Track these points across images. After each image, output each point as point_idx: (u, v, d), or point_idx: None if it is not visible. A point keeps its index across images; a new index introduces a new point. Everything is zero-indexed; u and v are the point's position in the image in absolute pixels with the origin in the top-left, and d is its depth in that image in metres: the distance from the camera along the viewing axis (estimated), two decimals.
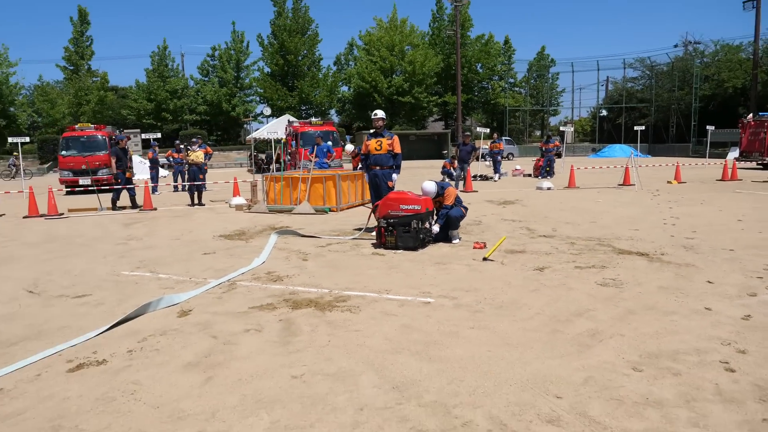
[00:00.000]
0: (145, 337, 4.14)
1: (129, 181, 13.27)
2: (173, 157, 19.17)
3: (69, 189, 17.96)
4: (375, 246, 7.55)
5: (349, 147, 13.78)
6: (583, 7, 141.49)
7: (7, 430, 2.82)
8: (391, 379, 3.29)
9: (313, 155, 14.14)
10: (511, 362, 3.51)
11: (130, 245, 8.29)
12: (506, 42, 54.80)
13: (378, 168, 8.57)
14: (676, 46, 53.96)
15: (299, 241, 8.23)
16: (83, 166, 18.81)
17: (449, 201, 7.72)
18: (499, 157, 21.65)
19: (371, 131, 8.83)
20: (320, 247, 7.67)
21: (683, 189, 15.41)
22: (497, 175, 20.74)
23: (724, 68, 44.67)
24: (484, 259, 6.59)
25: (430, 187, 7.70)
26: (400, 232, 7.26)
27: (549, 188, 15.95)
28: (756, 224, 8.93)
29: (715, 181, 17.82)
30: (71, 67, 45.34)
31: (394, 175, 8.61)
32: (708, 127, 26.96)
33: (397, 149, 8.61)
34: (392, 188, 8.43)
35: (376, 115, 8.65)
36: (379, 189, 8.54)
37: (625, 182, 16.84)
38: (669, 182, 17.28)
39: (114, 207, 13.18)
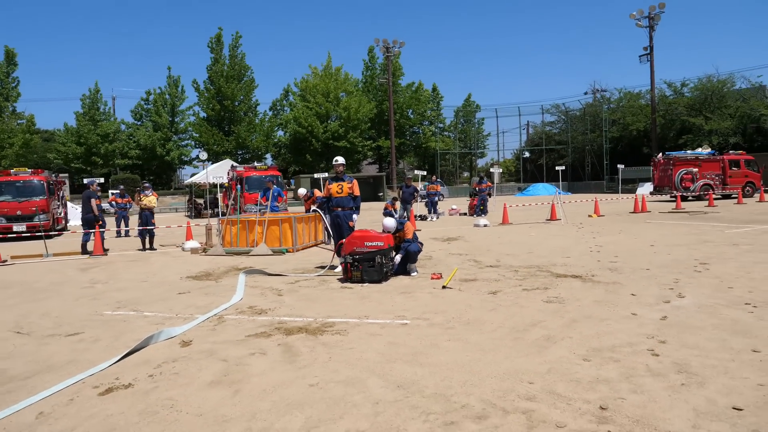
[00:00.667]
0: (158, 364, 4.56)
1: (92, 225, 13.27)
2: (116, 203, 18.99)
3: (1, 236, 17.37)
4: (342, 281, 8.18)
5: (302, 191, 14.39)
6: (505, 56, 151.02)
7: (101, 428, 3.23)
8: (394, 381, 3.94)
9: (264, 199, 14.63)
10: (487, 363, 4.26)
11: (98, 288, 8.47)
12: (434, 89, 57.73)
13: (340, 209, 9.28)
14: (586, 93, 58.63)
15: (267, 279, 8.72)
16: (18, 212, 18.29)
17: (409, 235, 8.52)
18: (437, 198, 22.87)
19: (332, 175, 9.57)
20: (290, 284, 8.21)
21: (602, 221, 17.06)
22: (434, 215, 21.85)
23: (628, 113, 49.16)
24: (444, 287, 7.38)
25: (391, 223, 8.47)
26: (365, 266, 7.94)
27: (485, 225, 17.15)
28: (665, 248, 10.30)
29: (629, 213, 19.77)
30: None
31: (355, 216, 9.34)
32: (619, 165, 29.76)
33: (357, 192, 9.37)
34: (353, 228, 9.13)
35: (336, 161, 9.42)
36: (341, 228, 9.23)
37: (552, 217, 18.37)
38: (590, 216, 18.99)
39: (84, 251, 13.05)
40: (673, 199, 24.29)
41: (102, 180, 19.24)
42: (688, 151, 31.66)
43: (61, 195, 21.66)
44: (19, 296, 8.04)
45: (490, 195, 25.38)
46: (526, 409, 3.37)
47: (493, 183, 26.57)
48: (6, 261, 12.18)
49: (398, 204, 18.71)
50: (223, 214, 20.41)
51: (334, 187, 9.40)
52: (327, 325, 5.62)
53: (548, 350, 4.51)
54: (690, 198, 27.43)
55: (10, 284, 9.17)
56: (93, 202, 13.37)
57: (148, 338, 5.16)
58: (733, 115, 42.75)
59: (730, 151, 30.34)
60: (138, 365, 4.55)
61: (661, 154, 30.66)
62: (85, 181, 15.38)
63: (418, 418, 3.31)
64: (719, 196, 27.29)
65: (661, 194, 28.86)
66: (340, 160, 9.54)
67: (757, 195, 26.74)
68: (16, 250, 13.88)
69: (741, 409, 3.26)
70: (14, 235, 17.84)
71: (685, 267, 8.25)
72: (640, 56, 44.47)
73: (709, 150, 30.46)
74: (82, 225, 13.70)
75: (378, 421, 3.28)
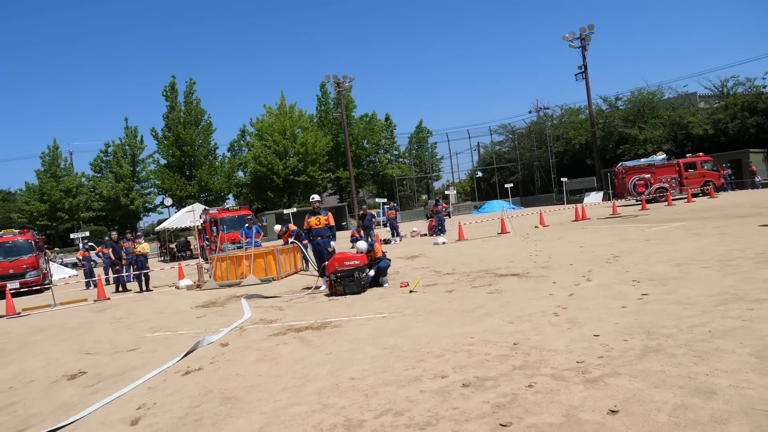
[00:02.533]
0: (213, 357, 6.34)
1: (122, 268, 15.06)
2: (103, 253, 20.30)
3: None
4: (328, 296, 10.05)
5: (277, 227, 16.15)
6: (452, 83, 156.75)
7: (195, 391, 5.03)
8: (382, 346, 5.86)
9: (244, 237, 16.33)
10: (445, 331, 6.23)
11: (125, 322, 10.08)
12: (387, 119, 60.45)
13: (320, 238, 11.19)
14: (530, 111, 62.37)
15: (265, 301, 10.50)
16: (10, 271, 19.42)
17: (379, 254, 10.47)
18: (395, 222, 25.04)
19: (311, 210, 11.49)
20: (286, 302, 10.03)
21: (546, 231, 19.42)
22: (398, 238, 23.92)
23: (570, 128, 52.84)
24: (411, 291, 9.35)
25: (363, 246, 10.42)
26: (346, 281, 9.84)
27: (444, 242, 19.27)
28: (590, 248, 12.57)
29: (571, 222, 22.26)
30: None
31: (332, 242, 11.26)
32: (562, 179, 32.59)
33: (332, 222, 11.34)
34: (332, 252, 11.04)
35: (313, 198, 11.40)
36: (321, 254, 11.13)
37: (502, 231, 20.65)
38: (536, 227, 21.38)
39: (124, 289, 15.32)
40: (634, 203, 27.05)
41: (87, 234, 20.58)
42: (642, 160, 34.89)
43: (44, 252, 22.74)
44: (61, 335, 9.59)
45: (448, 215, 27.73)
46: (468, 349, 5.35)
47: (449, 203, 28.90)
48: (20, 313, 13.51)
49: (362, 231, 20.71)
50: (203, 255, 21.95)
51: (313, 220, 11.31)
52: (326, 323, 7.49)
53: (486, 321, 6.52)
54: (647, 201, 30.45)
55: (45, 328, 10.65)
56: (109, 251, 15.28)
57: (196, 344, 6.92)
58: (665, 124, 46.72)
59: (688, 155, 33.58)
60: (198, 359, 6.32)
61: (620, 164, 33.71)
62: (107, 239, 17.11)
63: (400, 359, 5.25)
64: (678, 197, 30.17)
65: (621, 200, 31.71)
66: (316, 197, 11.51)
67: (722, 193, 29.60)
68: (18, 305, 15.12)
69: (598, 335, 5.31)
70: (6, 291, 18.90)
71: (600, 260, 10.45)
72: (575, 74, 48.27)
73: (663, 156, 33.68)
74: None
75: (375, 364, 5.20)
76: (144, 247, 15.89)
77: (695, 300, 6.25)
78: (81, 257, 20.90)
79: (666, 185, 30.88)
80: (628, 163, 33.00)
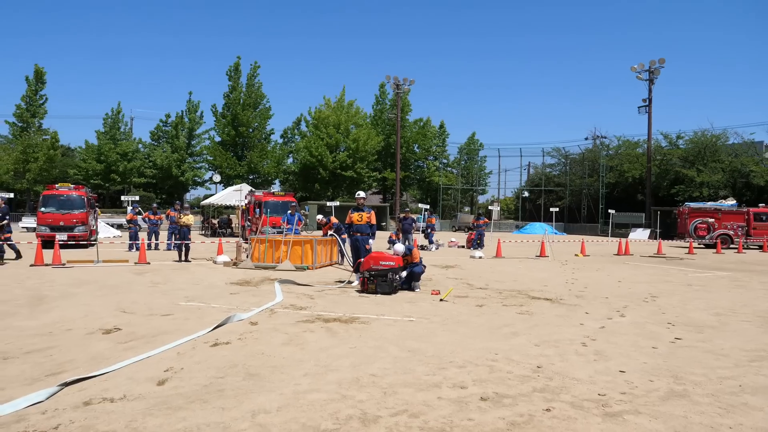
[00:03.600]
0: (241, 333, 6.55)
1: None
2: (149, 218, 21.03)
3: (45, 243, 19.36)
4: (359, 292, 10.19)
5: (319, 216, 16.42)
6: (510, 99, 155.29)
7: (221, 363, 5.24)
8: (406, 348, 5.93)
9: (286, 223, 16.67)
10: (469, 343, 6.25)
11: (162, 287, 10.46)
12: (441, 126, 60.42)
13: (359, 234, 11.34)
14: (586, 138, 61.53)
15: (297, 288, 10.71)
16: (61, 223, 20.36)
17: (416, 259, 10.54)
18: (430, 230, 25.08)
19: (354, 206, 11.65)
20: (318, 292, 10.21)
21: (586, 260, 19.07)
22: (433, 245, 23.93)
23: (625, 160, 51.60)
24: (441, 300, 9.38)
25: (401, 248, 10.50)
26: (379, 281, 9.95)
27: (480, 257, 19.17)
28: (629, 284, 12.30)
29: (612, 255, 21.78)
30: (21, 124, 45.96)
31: (371, 240, 11.39)
32: (610, 210, 31.93)
33: (374, 221, 11.46)
34: (369, 250, 11.16)
35: (359, 195, 11.55)
36: (359, 250, 11.27)
37: (541, 254, 20.39)
38: (576, 255, 21.01)
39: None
40: (682, 245, 26.33)
41: (137, 198, 21.38)
42: (709, 203, 33.94)
43: (94, 209, 23.73)
44: (102, 290, 10.03)
45: (485, 230, 27.55)
46: (491, 364, 5.37)
47: (490, 220, 28.69)
48: (65, 264, 14.18)
49: (401, 234, 20.81)
50: (243, 235, 22.47)
51: (355, 216, 11.47)
52: (354, 318, 7.62)
53: (512, 340, 6.51)
54: (707, 246, 29.56)
55: (87, 282, 11.16)
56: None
57: (227, 319, 7.16)
58: (725, 169, 45.12)
59: (760, 205, 32.42)
60: (227, 333, 6.54)
61: (684, 204, 32.97)
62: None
63: (422, 364, 5.31)
64: (747, 247, 29.20)
65: (683, 239, 30.95)
66: (362, 194, 11.67)
67: None
68: (64, 256, 15.88)
69: (624, 372, 5.24)
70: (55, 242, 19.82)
71: (637, 298, 10.24)
72: (639, 107, 47.20)
73: (732, 202, 32.69)
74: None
75: (396, 365, 5.28)
76: (189, 218, 16.41)
77: (729, 352, 6.08)
78: (129, 219, 21.70)
79: (731, 232, 29.93)
80: (693, 204, 32.29)
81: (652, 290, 11.35)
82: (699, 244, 29.32)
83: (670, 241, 31.87)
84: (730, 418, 4.05)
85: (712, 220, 30.24)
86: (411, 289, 10.48)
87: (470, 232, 26.13)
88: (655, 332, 7.11)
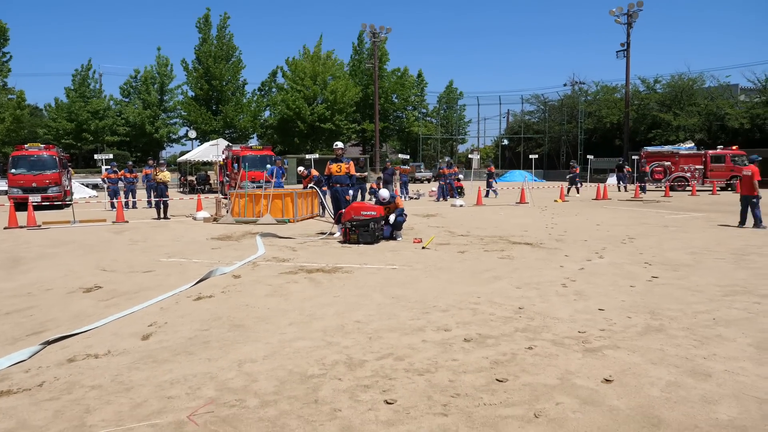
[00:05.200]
0: (224, 287, 6.53)
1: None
2: (125, 177, 20.60)
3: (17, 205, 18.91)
4: (341, 242, 10.19)
5: (301, 169, 16.22)
6: (488, 47, 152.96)
7: (205, 316, 5.23)
8: (389, 295, 5.99)
9: (272, 176, 16.41)
10: (452, 288, 6.33)
11: (141, 245, 10.35)
12: (419, 75, 59.47)
13: (339, 185, 11.25)
14: (565, 85, 61.36)
15: (279, 241, 10.68)
16: (33, 184, 19.87)
17: (400, 206, 10.54)
18: (406, 179, 24.99)
19: (333, 157, 11.51)
20: (300, 244, 10.20)
21: (565, 206, 19.29)
22: (405, 195, 23.78)
23: (604, 106, 51.62)
24: (423, 248, 9.44)
25: (386, 194, 10.48)
26: (361, 231, 9.95)
27: (461, 205, 19.26)
28: (607, 227, 12.50)
29: (591, 200, 22.06)
30: None
31: (351, 191, 11.32)
32: (588, 156, 32.12)
33: (353, 171, 11.37)
34: (349, 201, 11.11)
35: (336, 145, 11.38)
36: (339, 201, 11.21)
37: (521, 201, 20.55)
38: (555, 200, 21.23)
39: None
40: (655, 189, 26.61)
41: (111, 156, 20.85)
42: (667, 147, 34.00)
43: (67, 169, 23.14)
44: (80, 250, 9.88)
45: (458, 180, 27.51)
46: (474, 307, 5.45)
47: (471, 168, 28.67)
48: (41, 226, 13.90)
49: (382, 184, 20.73)
50: (222, 191, 22.23)
51: (334, 167, 11.35)
52: (336, 268, 7.64)
53: (494, 283, 6.60)
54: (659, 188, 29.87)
55: (65, 242, 10.97)
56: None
57: (209, 273, 7.13)
58: (701, 113, 45.41)
59: (719, 147, 32.55)
60: (210, 287, 6.52)
61: (643, 148, 33.06)
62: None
63: (406, 309, 5.37)
64: (701, 189, 29.40)
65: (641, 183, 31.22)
66: (340, 144, 11.50)
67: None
68: (39, 218, 15.55)
69: (603, 309, 5.36)
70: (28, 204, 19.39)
71: (615, 240, 10.41)
72: (617, 52, 46.77)
73: (690, 145, 32.81)
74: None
75: (381, 311, 5.33)
76: (165, 175, 16.11)
77: (704, 288, 6.25)
78: (105, 178, 21.22)
79: (687, 175, 30.25)
80: (650, 148, 32.38)
81: (629, 232, 11.55)
82: (658, 187, 29.58)
83: (630, 185, 32.07)
84: (705, 349, 4.18)
85: (669, 163, 30.60)
86: (393, 237, 10.52)
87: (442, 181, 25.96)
88: (632, 272, 7.27)
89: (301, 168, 15.98)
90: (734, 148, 31.87)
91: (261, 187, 15.47)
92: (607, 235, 11.04)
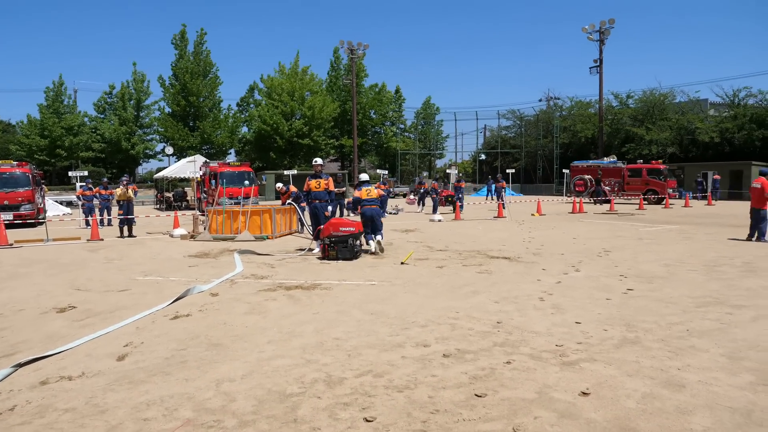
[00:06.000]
0: (202, 305, 6.46)
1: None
2: (100, 194, 20.27)
3: None
4: (320, 259, 10.16)
5: (279, 185, 16.17)
6: (465, 63, 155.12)
7: (182, 335, 5.16)
8: (368, 311, 5.98)
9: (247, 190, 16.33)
10: (431, 303, 6.35)
11: (117, 263, 10.18)
12: (397, 91, 59.89)
13: (318, 201, 11.25)
14: (540, 100, 62.15)
15: (258, 258, 10.60)
16: (5, 202, 19.44)
17: (373, 195, 10.87)
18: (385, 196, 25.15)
19: (312, 173, 11.51)
20: (278, 261, 10.14)
21: (542, 220, 19.53)
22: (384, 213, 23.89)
23: (578, 121, 52.58)
24: (402, 263, 9.46)
25: (365, 176, 10.68)
26: (340, 247, 9.95)
27: (439, 220, 19.36)
28: (583, 240, 12.68)
29: (567, 213, 22.37)
30: None
31: (329, 207, 11.32)
32: (564, 170, 32.62)
33: (332, 187, 11.37)
34: (329, 217, 11.11)
35: (316, 161, 11.40)
36: (318, 217, 11.19)
37: (499, 215, 20.75)
38: (532, 215, 21.48)
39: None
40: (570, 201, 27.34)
41: (86, 173, 20.52)
42: (592, 161, 35.54)
43: (41, 187, 22.70)
44: (54, 269, 9.69)
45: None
46: (452, 323, 5.48)
47: (448, 182, 28.90)
48: (12, 244, 13.59)
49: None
50: (199, 207, 22.00)
51: (313, 183, 11.35)
52: (315, 285, 7.61)
53: (473, 298, 6.64)
54: (588, 201, 31.17)
55: (38, 261, 10.74)
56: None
57: (186, 291, 7.04)
58: (672, 127, 46.52)
59: (638, 161, 33.84)
60: (187, 306, 6.44)
61: (573, 162, 34.42)
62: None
63: (385, 325, 5.38)
64: (619, 202, 30.19)
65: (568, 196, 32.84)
66: (319, 161, 11.52)
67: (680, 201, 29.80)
68: (11, 237, 15.20)
69: (580, 323, 5.43)
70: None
71: (591, 253, 10.57)
72: (590, 68, 47.69)
73: (612, 159, 34.16)
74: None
75: (360, 327, 5.32)
76: (118, 191, 15.93)
77: (678, 300, 6.38)
78: (80, 195, 20.85)
79: (607, 188, 31.44)
80: (577, 162, 33.67)
81: (605, 245, 11.73)
82: (580, 200, 30.18)
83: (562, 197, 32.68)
84: (679, 360, 4.26)
85: (588, 176, 31.86)
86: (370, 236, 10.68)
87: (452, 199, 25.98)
88: (608, 285, 7.38)
89: (279, 184, 15.93)
90: (655, 162, 33.00)
91: (239, 203, 15.41)
92: (583, 249, 11.21)
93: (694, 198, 30.42)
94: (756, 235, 12.00)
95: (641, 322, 5.41)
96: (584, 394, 3.63)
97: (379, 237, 10.77)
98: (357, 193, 11.20)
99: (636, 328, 5.20)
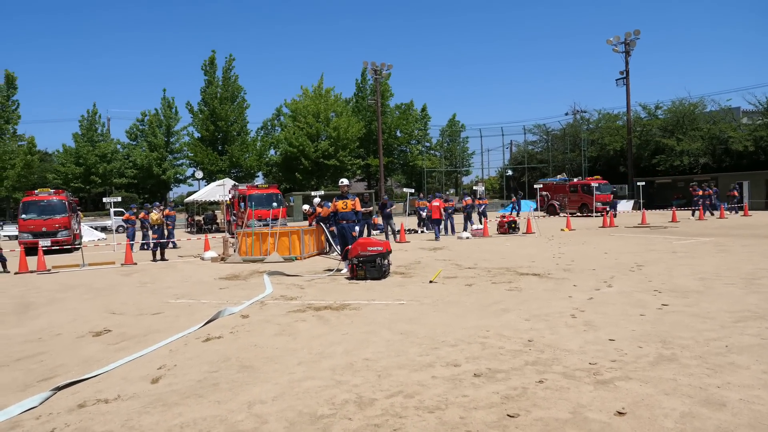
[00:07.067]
0: (233, 327, 6.54)
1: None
2: (145, 219, 20.73)
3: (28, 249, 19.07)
4: (348, 279, 10.20)
5: (305, 207, 16.34)
6: (489, 78, 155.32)
7: (214, 357, 5.23)
8: (398, 331, 5.97)
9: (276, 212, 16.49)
10: (461, 322, 6.30)
11: (150, 287, 10.39)
12: (423, 109, 60.20)
13: (345, 222, 11.32)
14: (566, 114, 61.62)
15: (287, 279, 10.70)
16: (43, 229, 20.08)
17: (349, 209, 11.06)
18: (423, 213, 24.99)
19: (338, 194, 11.61)
20: (307, 282, 10.21)
21: (572, 234, 19.25)
22: (424, 228, 23.84)
23: (606, 133, 51.90)
24: (430, 282, 9.43)
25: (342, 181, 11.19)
26: (368, 267, 9.97)
27: (468, 237, 19.25)
28: (615, 255, 12.45)
29: (598, 228, 22.01)
30: None
31: (357, 227, 11.38)
32: (593, 184, 32.17)
33: (358, 207, 11.44)
34: (356, 237, 11.15)
35: (342, 182, 11.52)
36: (345, 237, 11.26)
37: (528, 231, 20.54)
38: (562, 230, 21.19)
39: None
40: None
41: (119, 199, 21.05)
42: (550, 178, 39.40)
43: (77, 213, 23.40)
44: (89, 293, 9.94)
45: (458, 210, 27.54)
46: (483, 341, 5.42)
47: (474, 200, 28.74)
48: (50, 270, 14.01)
49: (381, 219, 20.77)
50: (229, 230, 22.33)
51: (339, 204, 11.44)
52: (344, 305, 7.63)
53: (503, 316, 6.57)
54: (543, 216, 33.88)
55: (73, 286, 11.04)
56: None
57: (217, 314, 7.14)
58: (704, 137, 45.54)
59: (577, 178, 37.51)
60: (218, 328, 6.52)
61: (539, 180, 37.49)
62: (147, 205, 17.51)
63: (415, 345, 5.35)
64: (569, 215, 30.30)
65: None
66: (345, 181, 11.63)
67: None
68: (49, 262, 15.66)
69: (613, 340, 5.32)
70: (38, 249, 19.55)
71: (623, 268, 10.36)
72: (616, 80, 47.32)
73: (561, 177, 37.56)
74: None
75: (390, 348, 5.31)
76: (152, 216, 16.30)
77: (715, 315, 6.20)
78: (126, 220, 21.51)
79: (557, 203, 35.35)
80: (542, 180, 35.98)
81: (637, 259, 11.50)
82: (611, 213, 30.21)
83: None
84: (718, 378, 4.14)
85: (546, 193, 34.88)
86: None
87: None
88: (642, 300, 7.22)
89: (305, 206, 16.09)
90: (597, 177, 35.91)
91: (267, 225, 15.59)
92: (615, 263, 11.00)
93: (731, 209, 29.60)
94: None
95: (677, 338, 5.27)
96: (620, 413, 3.54)
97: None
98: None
99: (672, 344, 5.07)
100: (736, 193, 31.38)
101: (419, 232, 23.51)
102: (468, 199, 24.26)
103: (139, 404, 4.12)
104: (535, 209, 32.95)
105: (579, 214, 33.31)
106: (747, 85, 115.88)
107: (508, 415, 3.59)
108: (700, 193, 26.93)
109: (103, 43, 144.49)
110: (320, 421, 3.63)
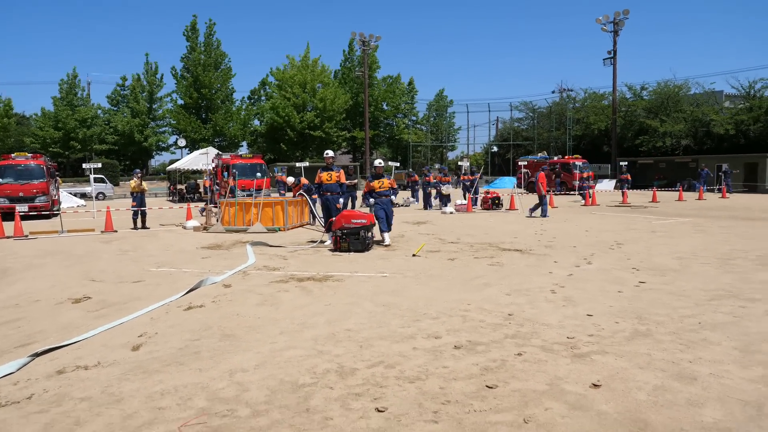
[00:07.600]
0: (215, 296, 6.52)
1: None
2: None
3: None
4: (332, 251, 10.21)
5: (290, 179, 16.21)
6: (478, 55, 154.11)
7: (196, 326, 5.22)
8: (380, 303, 6.01)
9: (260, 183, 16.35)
10: (443, 295, 6.36)
11: (131, 255, 10.30)
12: (410, 83, 59.74)
13: (329, 194, 11.28)
14: (553, 92, 61.83)
15: (270, 249, 10.67)
16: (20, 194, 19.70)
17: (386, 187, 10.99)
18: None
19: (323, 165, 11.54)
20: (290, 253, 10.19)
21: (555, 212, 19.42)
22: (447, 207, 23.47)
23: (591, 113, 52.11)
24: (413, 255, 9.47)
25: (378, 162, 10.82)
26: (352, 239, 9.98)
27: (451, 212, 19.33)
28: (596, 233, 12.61)
29: (580, 206, 22.23)
30: None
31: (341, 199, 11.35)
32: (576, 162, 32.39)
33: (343, 180, 11.40)
34: (340, 209, 11.14)
35: (327, 154, 11.41)
36: (330, 209, 11.23)
37: (511, 207, 20.67)
38: None
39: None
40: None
41: (100, 165, 20.69)
42: (531, 156, 39.57)
43: (55, 178, 22.96)
44: (69, 260, 9.82)
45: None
46: (464, 315, 5.49)
47: (459, 175, 28.81)
48: (28, 236, 13.78)
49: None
50: (212, 199, 22.11)
51: (324, 175, 11.38)
52: (327, 276, 7.65)
53: (484, 290, 6.64)
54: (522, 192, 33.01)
55: (53, 252, 10.90)
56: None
57: (199, 282, 7.11)
58: (687, 119, 45.91)
59: (556, 157, 37.61)
60: (201, 297, 6.50)
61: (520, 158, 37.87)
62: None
63: (397, 317, 5.40)
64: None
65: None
66: (330, 153, 11.54)
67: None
68: (26, 228, 15.40)
69: (591, 315, 5.42)
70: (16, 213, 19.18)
71: (604, 246, 10.51)
72: (604, 59, 47.22)
73: (542, 155, 37.65)
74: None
75: (372, 319, 5.35)
76: (131, 183, 16.01)
77: (690, 293, 6.33)
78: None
79: (534, 180, 33.78)
80: (522, 158, 36.18)
81: (618, 238, 11.66)
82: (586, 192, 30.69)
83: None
84: (690, 353, 4.25)
85: (527, 170, 34.10)
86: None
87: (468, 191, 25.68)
88: (620, 277, 7.35)
89: (290, 178, 15.97)
90: (577, 156, 36.31)
91: (251, 195, 15.45)
92: (595, 241, 11.14)
93: (710, 190, 30.07)
94: None
95: (653, 314, 5.39)
96: (595, 386, 3.63)
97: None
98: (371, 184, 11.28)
99: (648, 320, 5.18)
100: (629, 177, 31.34)
101: (405, 205, 23.48)
102: (469, 176, 24.30)
103: (119, 371, 4.12)
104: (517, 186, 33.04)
105: (556, 192, 33.51)
106: (731, 69, 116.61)
107: (487, 386, 3.66)
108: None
109: (86, 6, 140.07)
110: (301, 390, 3.67)
